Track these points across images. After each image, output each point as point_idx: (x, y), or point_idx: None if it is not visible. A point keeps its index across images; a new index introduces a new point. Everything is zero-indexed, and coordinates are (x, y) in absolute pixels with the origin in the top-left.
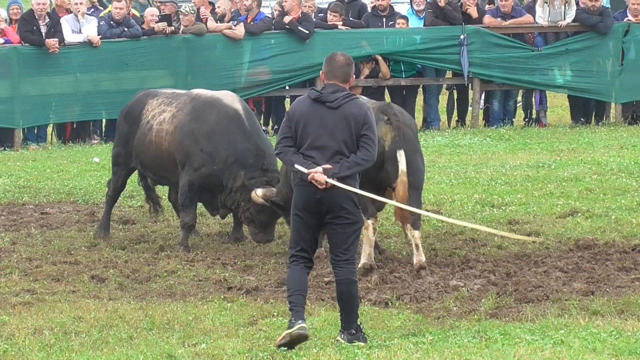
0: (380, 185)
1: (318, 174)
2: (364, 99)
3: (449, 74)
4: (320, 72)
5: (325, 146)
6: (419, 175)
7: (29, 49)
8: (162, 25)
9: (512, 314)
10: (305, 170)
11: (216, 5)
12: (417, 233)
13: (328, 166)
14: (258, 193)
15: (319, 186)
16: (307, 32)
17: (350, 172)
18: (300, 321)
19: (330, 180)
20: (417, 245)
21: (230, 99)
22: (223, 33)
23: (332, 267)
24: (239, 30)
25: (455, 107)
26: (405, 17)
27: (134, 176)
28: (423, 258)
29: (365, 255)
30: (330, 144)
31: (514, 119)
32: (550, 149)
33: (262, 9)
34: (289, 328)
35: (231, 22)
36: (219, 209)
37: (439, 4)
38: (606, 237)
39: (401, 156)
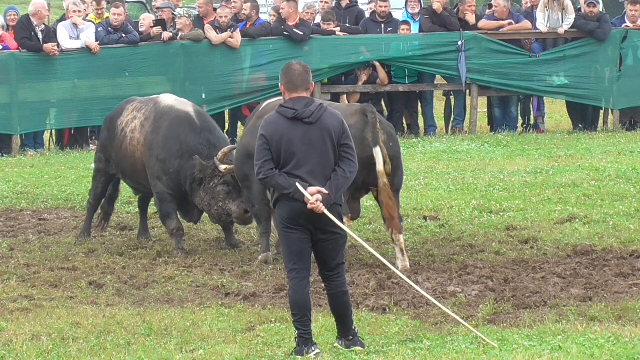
0: (362, 187)
1: (318, 203)
2: (341, 105)
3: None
4: (279, 84)
5: (313, 164)
6: (402, 177)
7: (27, 55)
8: (157, 30)
9: (510, 320)
10: (309, 196)
11: (218, 15)
12: (401, 237)
13: (325, 191)
14: (221, 167)
15: (317, 211)
16: (301, 33)
17: (342, 192)
18: (313, 347)
19: (327, 212)
20: (402, 250)
21: (183, 105)
22: (225, 43)
23: (323, 281)
24: (237, 38)
25: (453, 113)
26: (407, 23)
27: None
28: (407, 263)
29: None
30: (316, 160)
31: (518, 125)
32: (548, 155)
33: (260, 15)
34: (300, 354)
35: (230, 29)
36: (191, 213)
37: (436, 10)
38: (604, 243)
39: (378, 154)
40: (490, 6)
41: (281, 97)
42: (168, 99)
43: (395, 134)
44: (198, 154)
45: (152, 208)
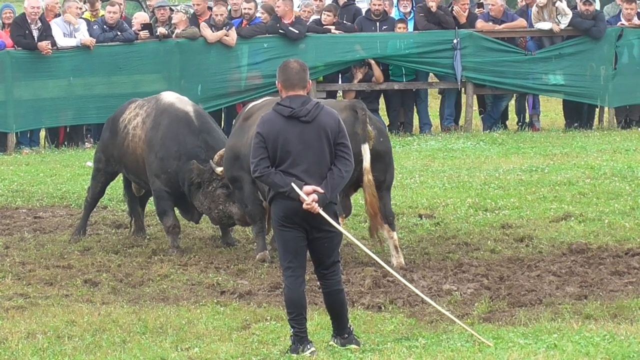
0: (353, 184)
1: (313, 203)
2: (330, 101)
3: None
4: (276, 82)
5: (308, 162)
6: (393, 173)
7: (22, 53)
8: (145, 34)
9: (505, 318)
10: (304, 196)
11: (213, 13)
12: (395, 234)
13: (320, 190)
14: (217, 170)
15: (312, 212)
16: (297, 31)
17: (338, 191)
18: (308, 345)
19: (322, 212)
20: (396, 247)
21: (183, 103)
22: (221, 41)
23: (319, 279)
24: (232, 36)
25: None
26: (404, 21)
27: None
28: (402, 260)
29: None
30: (312, 159)
31: (507, 122)
32: (543, 153)
33: (257, 14)
34: (295, 352)
35: (225, 27)
36: (192, 212)
37: (431, 9)
38: (599, 241)
39: (366, 151)
40: (480, 5)
41: (266, 99)
42: (169, 97)
43: (385, 130)
44: (195, 156)
45: (149, 206)
